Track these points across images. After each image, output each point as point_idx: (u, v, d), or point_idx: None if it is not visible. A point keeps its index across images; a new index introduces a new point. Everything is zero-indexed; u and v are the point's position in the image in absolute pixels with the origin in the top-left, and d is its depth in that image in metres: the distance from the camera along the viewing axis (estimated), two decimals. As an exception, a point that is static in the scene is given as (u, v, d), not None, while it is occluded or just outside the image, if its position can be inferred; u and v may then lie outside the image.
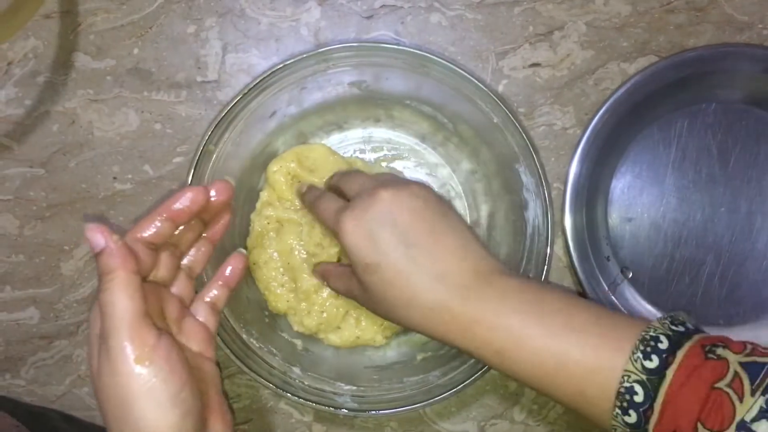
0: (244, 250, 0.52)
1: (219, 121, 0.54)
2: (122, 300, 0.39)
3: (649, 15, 0.61)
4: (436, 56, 0.55)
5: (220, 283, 0.50)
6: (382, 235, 0.46)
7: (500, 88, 0.61)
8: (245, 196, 0.59)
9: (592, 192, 0.60)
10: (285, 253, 0.57)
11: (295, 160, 0.58)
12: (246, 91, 0.54)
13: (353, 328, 0.58)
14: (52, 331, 0.62)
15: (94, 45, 0.61)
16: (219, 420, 0.43)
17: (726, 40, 0.61)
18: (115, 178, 0.62)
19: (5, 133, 0.61)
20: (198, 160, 0.54)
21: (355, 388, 0.57)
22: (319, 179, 0.58)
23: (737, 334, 0.59)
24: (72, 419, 0.62)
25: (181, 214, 0.44)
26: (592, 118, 0.59)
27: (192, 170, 0.54)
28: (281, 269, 0.58)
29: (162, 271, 0.45)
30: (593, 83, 0.61)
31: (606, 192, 0.61)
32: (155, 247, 0.44)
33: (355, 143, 0.62)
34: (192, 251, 0.49)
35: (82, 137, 0.62)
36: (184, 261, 0.49)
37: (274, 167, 0.58)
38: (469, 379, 0.54)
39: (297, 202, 0.58)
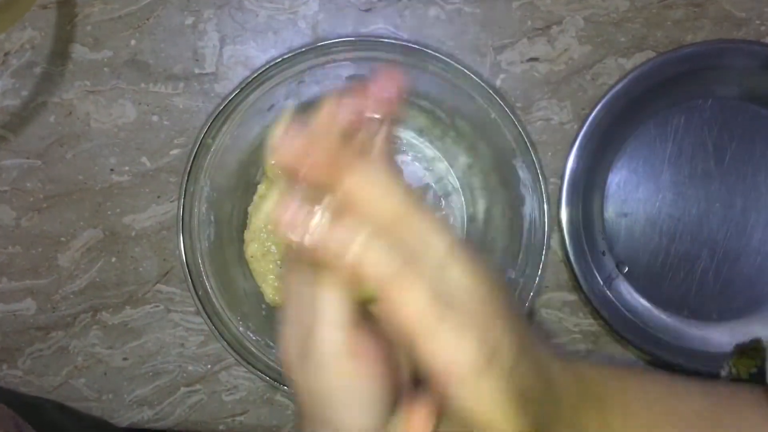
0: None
1: (217, 114, 0.54)
2: (325, 304, 0.33)
3: (647, 10, 0.61)
4: (434, 51, 0.55)
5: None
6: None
7: (498, 83, 0.61)
8: (243, 190, 0.59)
9: (589, 187, 0.60)
10: (282, 246, 0.58)
11: (293, 154, 0.58)
12: (244, 84, 0.54)
13: (350, 321, 0.59)
14: (48, 322, 0.63)
15: (92, 36, 0.61)
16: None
17: (724, 35, 0.61)
18: (112, 169, 0.62)
19: (2, 124, 0.61)
20: (196, 152, 0.54)
21: (351, 380, 0.58)
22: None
23: (730, 329, 0.59)
24: (66, 410, 0.63)
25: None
26: (590, 113, 0.59)
27: (190, 163, 0.54)
28: (279, 262, 0.58)
29: None
30: (591, 78, 0.61)
31: (602, 187, 0.61)
32: None
33: (352, 137, 0.62)
34: None
35: (79, 129, 0.62)
36: None
37: (272, 161, 0.58)
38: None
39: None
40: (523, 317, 0.34)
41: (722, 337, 0.59)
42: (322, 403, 0.33)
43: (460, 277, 0.30)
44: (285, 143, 0.30)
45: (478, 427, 0.31)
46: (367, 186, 0.30)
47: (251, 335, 0.57)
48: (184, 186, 0.54)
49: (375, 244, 0.30)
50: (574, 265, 0.59)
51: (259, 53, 0.61)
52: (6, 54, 0.61)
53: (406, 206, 0.30)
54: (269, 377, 0.55)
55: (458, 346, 0.29)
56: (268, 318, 0.60)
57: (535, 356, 0.32)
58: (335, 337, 0.32)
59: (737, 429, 0.37)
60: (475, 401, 0.30)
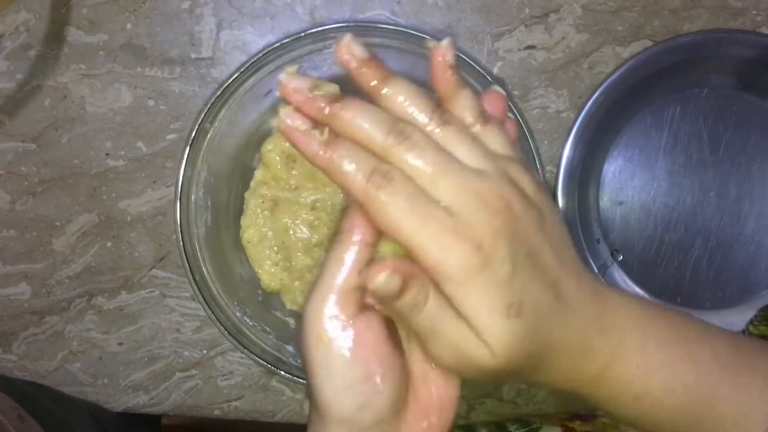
0: (500, 89, 0.37)
1: (215, 100, 0.54)
2: (333, 265, 0.33)
3: (645, -1, 0.61)
4: (432, 37, 0.54)
5: None
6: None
7: (495, 70, 0.61)
8: (240, 175, 0.59)
9: (585, 175, 0.60)
10: (279, 232, 0.58)
11: (290, 140, 0.58)
12: (242, 69, 0.54)
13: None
14: (43, 307, 0.62)
15: (87, 19, 0.61)
16: (425, 419, 0.35)
17: (720, 25, 0.61)
18: (107, 154, 0.62)
19: (-4, 107, 0.61)
20: (194, 138, 0.54)
21: (347, 366, 0.58)
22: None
23: (724, 317, 0.60)
24: (62, 400, 0.63)
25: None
26: (586, 102, 0.59)
27: (187, 148, 0.54)
28: (275, 248, 0.58)
29: None
30: (588, 67, 0.61)
31: (598, 175, 0.61)
32: None
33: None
34: None
35: (74, 112, 0.61)
36: None
37: (269, 146, 0.58)
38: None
39: (292, 182, 0.58)
40: (544, 230, 0.32)
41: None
42: (306, 368, 0.34)
43: (455, 189, 0.31)
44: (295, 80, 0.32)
45: (464, 319, 0.31)
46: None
47: (248, 320, 0.57)
48: (181, 171, 0.54)
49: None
50: (570, 253, 0.59)
51: (256, 38, 0.61)
52: (0, 36, 0.60)
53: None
54: (265, 362, 0.55)
55: (450, 248, 0.30)
56: (265, 303, 0.60)
57: (543, 272, 0.32)
58: (321, 305, 0.33)
59: (755, 388, 0.37)
60: (459, 296, 0.30)
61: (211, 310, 0.54)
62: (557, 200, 0.59)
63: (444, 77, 0.33)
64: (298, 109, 0.31)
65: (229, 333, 0.55)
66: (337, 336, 0.33)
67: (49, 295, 0.62)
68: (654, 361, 0.36)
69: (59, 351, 0.63)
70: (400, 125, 0.31)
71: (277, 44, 0.54)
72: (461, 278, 0.30)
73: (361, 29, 0.55)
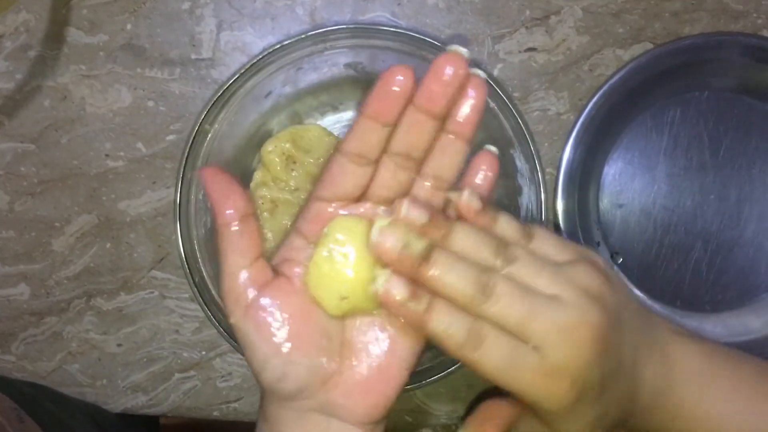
0: (493, 148, 0.40)
1: (215, 101, 0.54)
2: (224, 254, 0.37)
3: (646, 2, 0.61)
4: (433, 39, 0.54)
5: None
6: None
7: (495, 72, 0.61)
8: (239, 176, 0.59)
9: (585, 177, 0.60)
10: (279, 234, 0.57)
11: (290, 141, 0.58)
12: (242, 71, 0.54)
13: (345, 309, 0.59)
14: (42, 308, 0.62)
15: (87, 20, 0.60)
16: (360, 387, 0.37)
17: (721, 28, 0.61)
18: (107, 155, 0.61)
19: (-4, 107, 0.61)
20: (193, 139, 0.54)
21: (346, 368, 0.58)
22: (314, 160, 0.58)
23: (723, 320, 0.60)
24: (61, 401, 0.62)
25: (388, 106, 0.35)
26: (587, 104, 0.59)
27: (187, 149, 0.54)
28: (275, 249, 0.58)
29: (380, 190, 0.38)
30: (588, 69, 0.61)
31: (598, 178, 0.61)
32: (366, 160, 0.37)
33: (349, 124, 0.61)
34: (435, 155, 0.38)
35: (74, 113, 0.61)
36: (427, 169, 0.38)
37: (269, 147, 0.58)
38: (458, 362, 0.55)
39: (291, 183, 0.58)
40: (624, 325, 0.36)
41: (715, 328, 0.60)
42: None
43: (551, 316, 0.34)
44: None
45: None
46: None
47: (247, 322, 0.57)
48: (181, 172, 0.54)
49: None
50: (570, 255, 0.59)
51: (256, 39, 0.61)
52: (0, 37, 0.60)
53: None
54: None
55: (546, 391, 0.34)
56: (264, 305, 0.60)
57: (622, 366, 0.36)
58: (224, 291, 0.37)
59: None
60: (559, 426, 0.35)
61: (210, 311, 0.54)
62: (557, 203, 0.59)
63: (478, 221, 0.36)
64: (395, 270, 0.34)
65: (228, 335, 0.55)
66: (241, 316, 0.37)
67: (48, 295, 0.62)
68: (715, 412, 0.39)
69: (58, 352, 0.63)
70: (483, 279, 0.33)
71: (278, 45, 0.54)
72: (559, 413, 0.34)
73: (362, 31, 0.55)
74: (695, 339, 0.41)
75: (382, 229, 0.34)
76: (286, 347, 0.36)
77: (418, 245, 0.34)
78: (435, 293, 0.34)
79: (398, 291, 0.33)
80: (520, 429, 0.37)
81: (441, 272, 0.33)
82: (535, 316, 0.33)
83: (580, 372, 0.33)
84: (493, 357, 0.33)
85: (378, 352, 0.38)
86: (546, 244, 0.37)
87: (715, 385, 0.39)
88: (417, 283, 0.34)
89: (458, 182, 0.39)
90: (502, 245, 0.35)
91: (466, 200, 0.36)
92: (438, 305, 0.33)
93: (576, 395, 0.33)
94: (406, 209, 0.34)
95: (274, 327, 0.36)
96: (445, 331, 0.33)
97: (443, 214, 0.36)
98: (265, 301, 0.37)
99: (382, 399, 0.37)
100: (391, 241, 0.33)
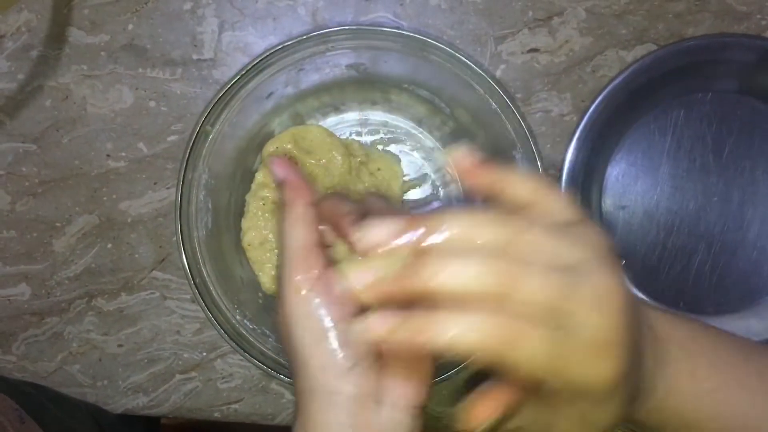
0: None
1: (216, 101, 0.54)
2: (294, 230, 0.38)
3: (649, 2, 0.60)
4: (435, 40, 0.54)
5: None
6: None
7: (498, 73, 0.61)
8: (241, 177, 0.59)
9: (587, 179, 0.60)
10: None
11: (292, 141, 0.58)
12: (244, 71, 0.54)
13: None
14: (43, 308, 0.62)
15: (89, 20, 0.60)
16: (405, 369, 0.37)
17: (725, 29, 0.61)
18: (108, 155, 0.61)
19: (-3, 107, 0.61)
20: (195, 139, 0.53)
21: (347, 370, 0.58)
22: (316, 161, 0.58)
23: (726, 323, 0.60)
24: (60, 401, 0.62)
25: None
26: (590, 106, 0.59)
27: (188, 150, 0.54)
28: (276, 251, 0.58)
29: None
30: (591, 70, 0.61)
31: (601, 179, 0.61)
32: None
33: (351, 126, 0.61)
34: None
35: (75, 113, 0.61)
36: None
37: (270, 148, 0.58)
38: (460, 365, 0.54)
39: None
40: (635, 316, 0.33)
41: (718, 330, 0.60)
42: (287, 336, 0.38)
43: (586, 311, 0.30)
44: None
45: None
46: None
47: (248, 323, 0.57)
48: (182, 173, 0.54)
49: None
50: (572, 257, 0.59)
51: (258, 40, 0.61)
52: (2, 37, 0.60)
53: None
54: (265, 365, 0.55)
55: (590, 368, 0.30)
56: (265, 306, 0.59)
57: (638, 341, 0.33)
58: (290, 269, 0.38)
59: None
60: (601, 412, 0.32)
61: (210, 312, 0.54)
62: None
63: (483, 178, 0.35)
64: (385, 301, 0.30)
65: (228, 336, 0.54)
66: (311, 285, 0.37)
67: (48, 296, 0.62)
68: (704, 389, 0.37)
69: (59, 352, 0.63)
70: (492, 266, 0.29)
71: (279, 46, 0.54)
72: (607, 392, 0.31)
73: (364, 32, 0.55)
74: (677, 315, 0.40)
75: (348, 276, 0.30)
76: (352, 313, 0.36)
77: (394, 261, 0.29)
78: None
79: (378, 324, 0.29)
80: (523, 414, 0.34)
81: (435, 272, 0.28)
82: (564, 293, 0.29)
83: (623, 339, 0.30)
84: (536, 351, 0.29)
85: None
86: (550, 203, 0.33)
87: (703, 359, 0.38)
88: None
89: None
90: (501, 222, 0.30)
91: (461, 155, 0.34)
92: (444, 312, 0.29)
93: (625, 366, 0.30)
94: (361, 236, 0.30)
95: (340, 298, 0.37)
96: (465, 335, 0.28)
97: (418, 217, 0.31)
98: (331, 269, 0.38)
99: (425, 380, 0.38)
100: (362, 279, 0.30)
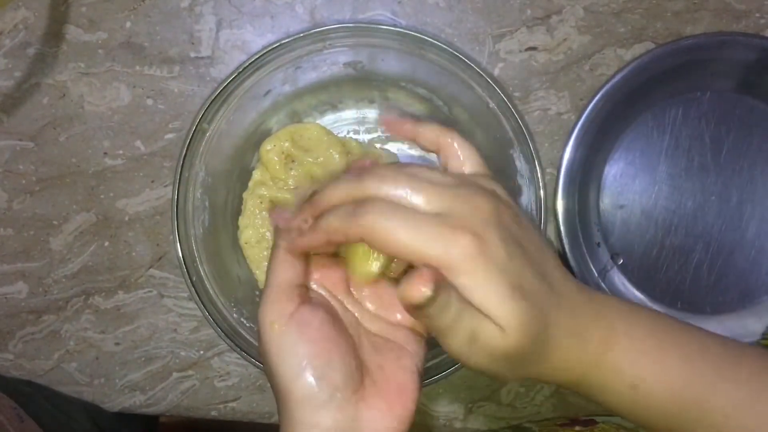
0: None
1: (213, 99, 0.54)
2: (275, 269, 0.40)
3: (647, 1, 0.60)
4: (433, 38, 0.54)
5: None
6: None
7: (496, 72, 0.61)
8: (238, 175, 0.59)
9: (585, 178, 0.60)
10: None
11: (289, 140, 0.58)
12: (241, 69, 0.54)
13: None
14: (40, 306, 0.62)
15: (86, 17, 0.60)
16: (384, 402, 0.39)
17: (723, 28, 0.60)
18: (105, 153, 0.61)
19: (-6, 105, 0.61)
20: (191, 137, 0.53)
21: (344, 368, 0.57)
22: (313, 159, 0.57)
23: (724, 322, 0.60)
24: (59, 400, 0.62)
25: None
26: (588, 104, 0.59)
27: (185, 148, 0.53)
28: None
29: None
30: (589, 69, 0.61)
31: (599, 178, 0.61)
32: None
33: (348, 124, 0.61)
34: None
35: (72, 111, 0.61)
36: None
37: (267, 146, 0.58)
38: (457, 363, 0.54)
39: (290, 182, 0.57)
40: (528, 233, 0.37)
41: (715, 329, 0.59)
42: (266, 366, 0.39)
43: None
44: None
45: (476, 307, 0.34)
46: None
47: (245, 322, 0.56)
48: (179, 171, 0.54)
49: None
50: (569, 256, 0.59)
51: (255, 38, 0.61)
52: (-1, 34, 0.60)
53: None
54: (262, 364, 0.55)
55: (449, 241, 0.34)
56: (262, 305, 0.59)
57: (532, 261, 0.36)
58: (265, 306, 0.39)
59: (742, 380, 0.39)
60: (470, 286, 0.34)
61: (207, 311, 0.54)
62: (557, 203, 0.59)
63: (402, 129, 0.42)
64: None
65: (225, 335, 0.54)
66: (285, 322, 0.38)
67: (46, 294, 0.62)
68: (644, 347, 0.38)
69: (56, 350, 0.63)
70: (363, 174, 0.36)
71: (277, 44, 0.54)
72: (467, 267, 0.34)
73: (362, 30, 0.55)
74: (641, 308, 0.42)
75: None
76: (329, 349, 0.38)
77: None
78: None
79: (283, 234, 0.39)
80: (442, 298, 0.35)
81: (320, 196, 0.37)
82: (427, 187, 0.35)
83: (477, 227, 0.34)
84: (391, 220, 0.34)
85: (393, 368, 0.40)
86: (458, 151, 0.41)
87: (640, 326, 0.40)
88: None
89: None
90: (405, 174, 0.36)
91: (386, 116, 0.43)
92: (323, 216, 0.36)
93: (478, 246, 0.34)
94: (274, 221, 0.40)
95: (318, 331, 0.38)
96: (332, 223, 0.36)
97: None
98: (306, 308, 0.39)
99: (406, 412, 0.39)
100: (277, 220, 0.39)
